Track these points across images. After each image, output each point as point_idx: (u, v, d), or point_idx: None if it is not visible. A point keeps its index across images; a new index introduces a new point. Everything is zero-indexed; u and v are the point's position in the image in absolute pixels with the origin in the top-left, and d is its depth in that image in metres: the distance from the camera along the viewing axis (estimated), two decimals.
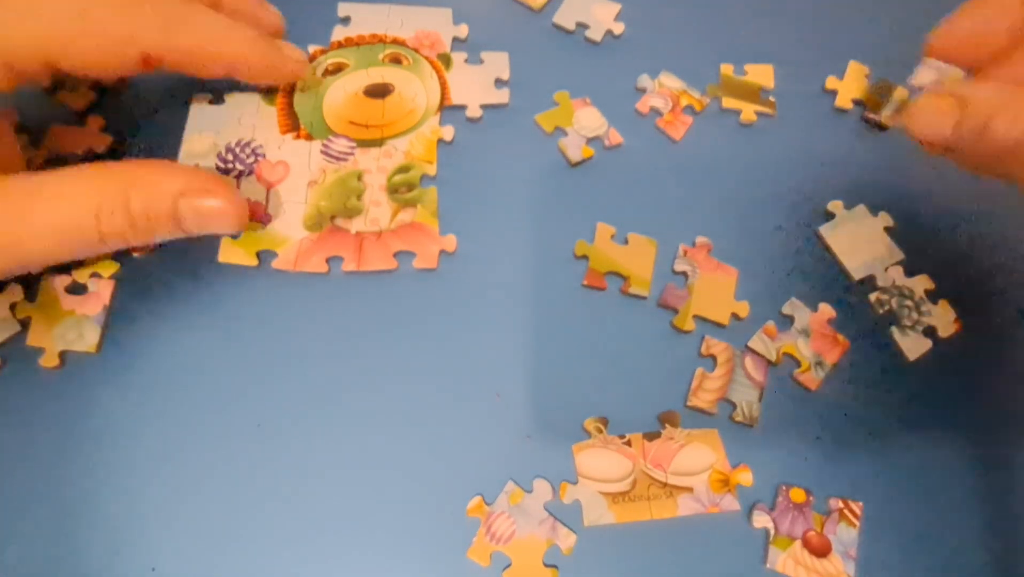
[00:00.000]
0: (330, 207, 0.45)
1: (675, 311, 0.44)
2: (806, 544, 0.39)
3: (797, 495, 0.40)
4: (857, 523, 0.39)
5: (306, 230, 0.45)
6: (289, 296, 0.43)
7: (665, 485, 0.39)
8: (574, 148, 0.49)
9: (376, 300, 0.43)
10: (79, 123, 0.47)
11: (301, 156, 0.47)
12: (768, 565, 0.38)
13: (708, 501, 0.39)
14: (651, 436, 0.40)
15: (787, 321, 0.44)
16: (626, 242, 0.46)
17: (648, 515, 0.38)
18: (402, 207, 0.46)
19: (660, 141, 0.50)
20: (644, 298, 0.44)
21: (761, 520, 0.39)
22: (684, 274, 0.45)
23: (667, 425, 0.41)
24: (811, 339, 0.44)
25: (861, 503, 0.39)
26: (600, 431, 0.40)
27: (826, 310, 0.44)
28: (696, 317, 0.44)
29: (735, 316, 0.44)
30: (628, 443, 0.40)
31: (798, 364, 0.43)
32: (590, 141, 0.50)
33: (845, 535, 0.39)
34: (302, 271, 0.43)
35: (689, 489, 0.39)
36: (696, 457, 0.40)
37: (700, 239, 0.46)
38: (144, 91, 0.49)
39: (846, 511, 0.39)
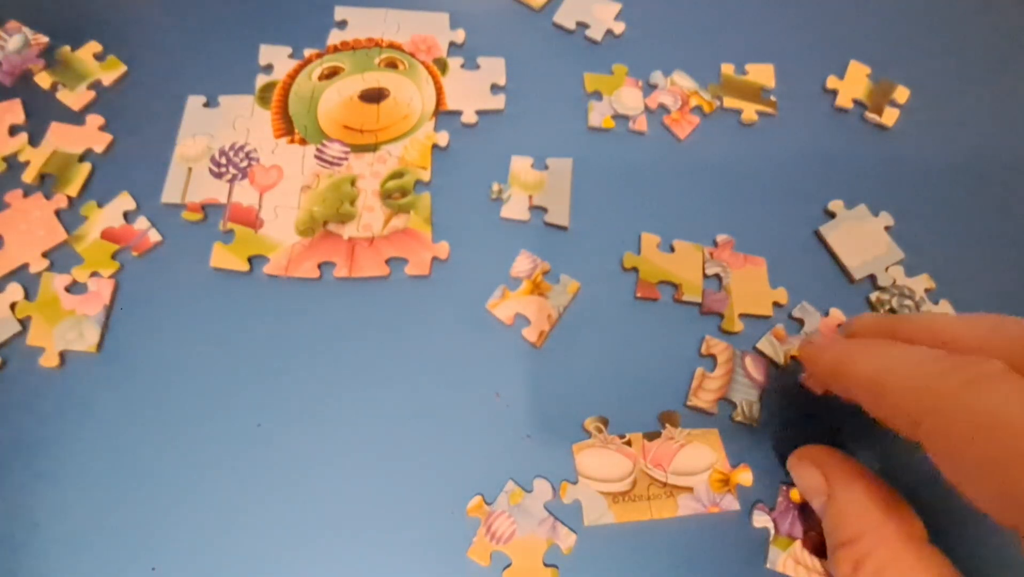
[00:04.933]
0: (323, 212, 0.52)
1: (720, 315, 0.51)
2: (806, 544, 0.45)
3: (797, 495, 0.46)
4: None
5: (298, 235, 0.52)
6: (281, 301, 0.50)
7: (665, 485, 0.45)
8: (598, 114, 0.58)
9: (367, 306, 0.50)
10: (79, 122, 0.55)
11: (295, 161, 0.54)
12: (768, 565, 0.44)
13: (708, 501, 0.45)
14: (651, 436, 0.47)
15: (796, 324, 0.51)
16: (672, 250, 0.53)
17: (648, 515, 0.45)
18: (395, 213, 0.53)
19: (665, 139, 0.58)
20: (698, 304, 0.51)
21: (761, 520, 0.45)
22: (717, 276, 0.52)
23: (667, 425, 0.47)
24: None
25: None
26: (600, 431, 0.47)
27: (836, 315, 0.51)
28: (742, 316, 0.51)
29: (776, 304, 0.51)
30: (628, 443, 0.46)
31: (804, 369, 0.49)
32: (617, 116, 0.58)
33: None
34: (293, 276, 0.50)
35: (689, 489, 0.45)
36: (696, 457, 0.46)
37: (721, 237, 0.53)
38: (143, 88, 0.57)
39: None
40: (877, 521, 0.38)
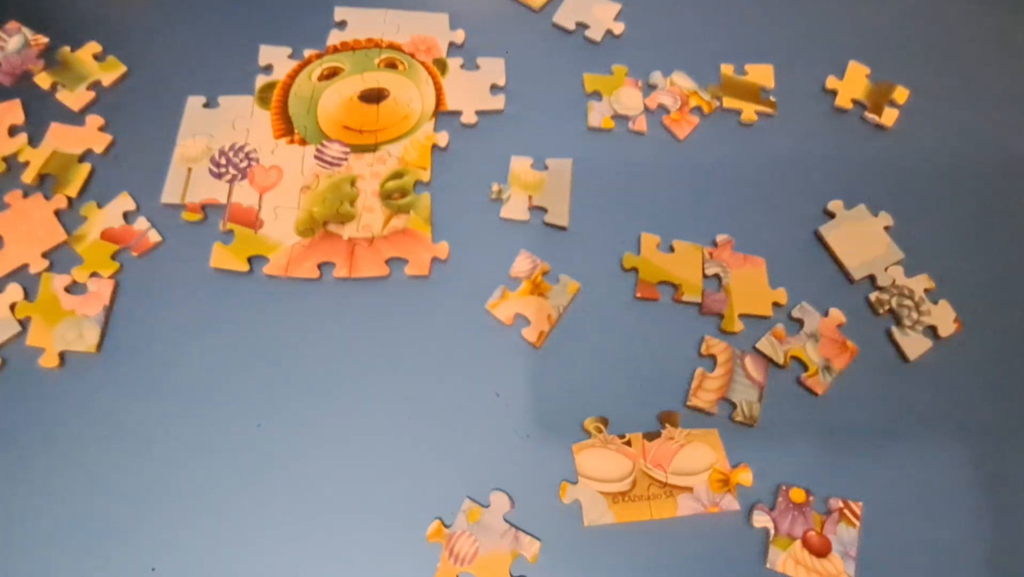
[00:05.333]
0: (323, 213, 0.53)
1: (720, 316, 0.52)
2: (806, 544, 0.45)
3: (797, 495, 0.46)
4: (857, 523, 0.46)
5: (298, 236, 0.52)
6: (281, 302, 0.50)
7: (665, 485, 0.46)
8: (598, 114, 0.58)
9: (367, 306, 0.50)
10: (78, 122, 0.56)
11: (295, 161, 0.55)
12: (768, 565, 0.44)
13: (708, 501, 0.46)
14: (651, 436, 0.47)
15: (796, 324, 0.51)
16: (672, 250, 0.54)
17: (648, 515, 0.45)
18: (395, 213, 0.53)
19: (664, 139, 0.58)
20: (698, 304, 0.52)
21: (761, 520, 0.46)
22: (717, 276, 0.53)
23: (667, 425, 0.47)
24: (820, 344, 0.51)
25: (861, 503, 0.46)
26: (600, 431, 0.47)
27: (836, 315, 0.51)
28: (741, 316, 0.51)
29: (776, 304, 0.52)
30: (628, 443, 0.47)
31: (805, 368, 0.50)
32: (616, 117, 0.58)
33: (845, 535, 0.45)
34: (293, 276, 0.51)
35: (689, 489, 0.46)
36: (696, 457, 0.47)
37: (720, 237, 0.54)
38: (143, 88, 0.58)
39: (846, 511, 0.46)
40: None
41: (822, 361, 0.50)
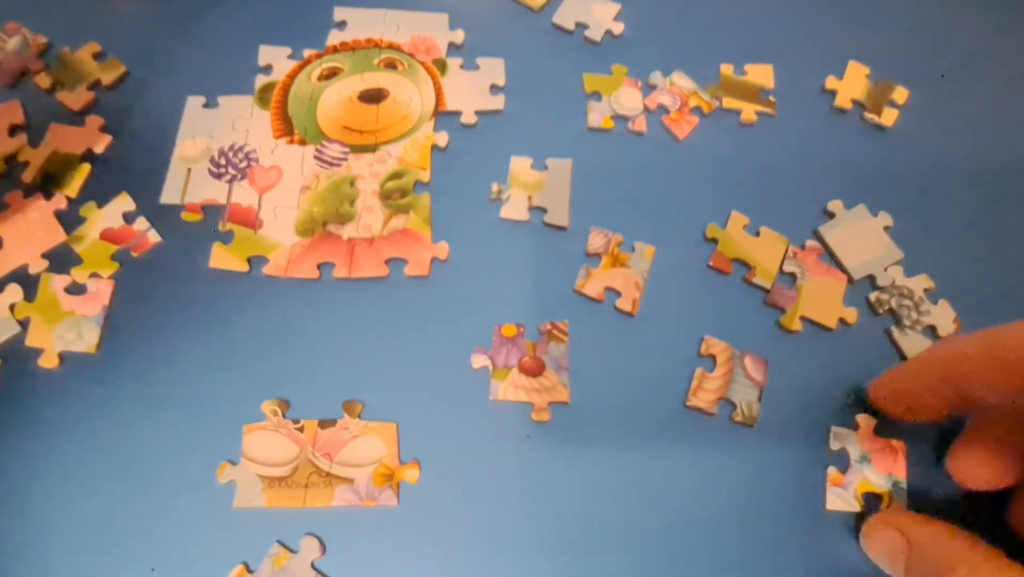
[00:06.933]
0: (322, 213, 0.53)
1: (782, 310, 0.52)
2: (522, 369, 0.48)
3: (508, 330, 0.49)
4: (566, 339, 0.49)
5: (298, 236, 0.52)
6: (280, 302, 0.50)
7: (327, 474, 0.45)
8: (598, 114, 0.59)
9: (367, 306, 0.50)
10: (78, 122, 0.56)
11: (294, 161, 0.55)
12: (491, 396, 0.47)
13: (367, 494, 0.45)
14: (326, 424, 0.47)
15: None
16: (758, 234, 0.54)
17: (301, 502, 0.44)
18: (395, 213, 0.53)
19: (664, 139, 0.58)
20: (767, 290, 0.52)
21: (480, 360, 0.48)
22: (792, 275, 0.53)
23: (346, 414, 0.47)
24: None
25: (567, 321, 0.50)
26: (276, 414, 0.47)
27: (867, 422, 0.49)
28: (803, 318, 0.52)
29: (843, 321, 0.52)
30: (301, 428, 0.46)
31: None
32: (616, 117, 0.59)
33: (556, 351, 0.49)
34: (293, 277, 0.51)
35: (349, 480, 0.45)
36: (366, 449, 0.46)
37: (810, 243, 0.54)
38: (142, 88, 0.58)
39: (555, 331, 0.49)
40: (965, 549, 0.38)
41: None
